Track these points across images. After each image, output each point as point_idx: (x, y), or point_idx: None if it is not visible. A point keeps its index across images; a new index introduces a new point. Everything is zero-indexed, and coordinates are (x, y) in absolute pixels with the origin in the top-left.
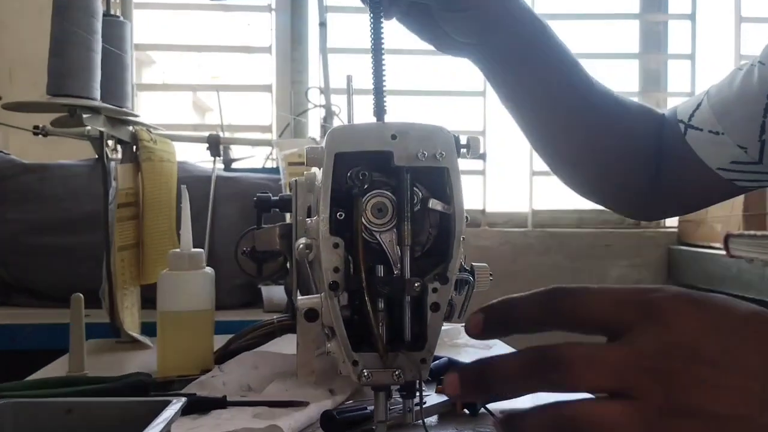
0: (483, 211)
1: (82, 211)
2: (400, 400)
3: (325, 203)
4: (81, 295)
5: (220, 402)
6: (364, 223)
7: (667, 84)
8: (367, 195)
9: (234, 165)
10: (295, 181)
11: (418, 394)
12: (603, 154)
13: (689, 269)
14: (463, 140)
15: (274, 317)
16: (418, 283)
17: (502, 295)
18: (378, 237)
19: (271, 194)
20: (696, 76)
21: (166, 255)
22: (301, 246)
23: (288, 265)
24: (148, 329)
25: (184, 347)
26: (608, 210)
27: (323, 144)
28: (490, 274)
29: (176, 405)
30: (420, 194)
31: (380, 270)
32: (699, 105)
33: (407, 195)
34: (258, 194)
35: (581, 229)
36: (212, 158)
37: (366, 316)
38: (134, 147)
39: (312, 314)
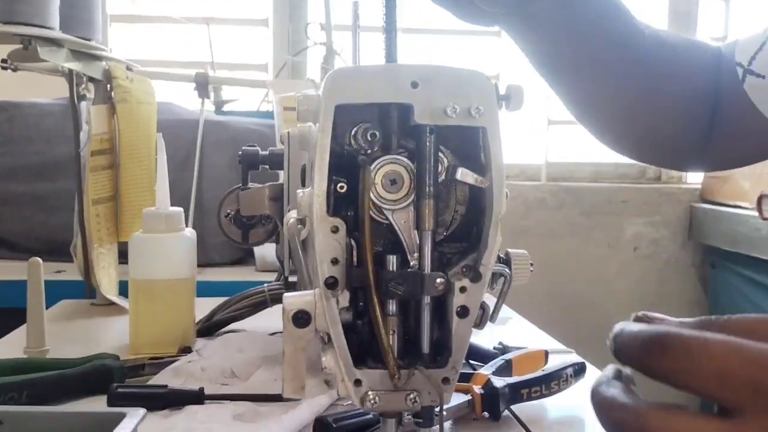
0: None
1: (56, 154)
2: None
3: (321, 173)
4: (39, 259)
5: (196, 396)
6: (373, 199)
7: (696, 26)
8: (377, 162)
9: (225, 108)
10: (287, 133)
11: (438, 425)
12: (656, 114)
13: (712, 229)
14: (502, 89)
15: (265, 285)
16: (442, 280)
17: None
18: (390, 217)
19: (259, 148)
20: (729, 18)
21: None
22: (292, 221)
23: (279, 230)
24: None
25: (159, 321)
26: (627, 163)
27: (321, 90)
28: (531, 264)
29: (131, 421)
30: (446, 160)
31: (392, 262)
32: (762, 46)
33: (430, 163)
34: (244, 148)
35: (597, 183)
36: (200, 99)
37: (373, 322)
38: (108, 86)
39: (303, 318)
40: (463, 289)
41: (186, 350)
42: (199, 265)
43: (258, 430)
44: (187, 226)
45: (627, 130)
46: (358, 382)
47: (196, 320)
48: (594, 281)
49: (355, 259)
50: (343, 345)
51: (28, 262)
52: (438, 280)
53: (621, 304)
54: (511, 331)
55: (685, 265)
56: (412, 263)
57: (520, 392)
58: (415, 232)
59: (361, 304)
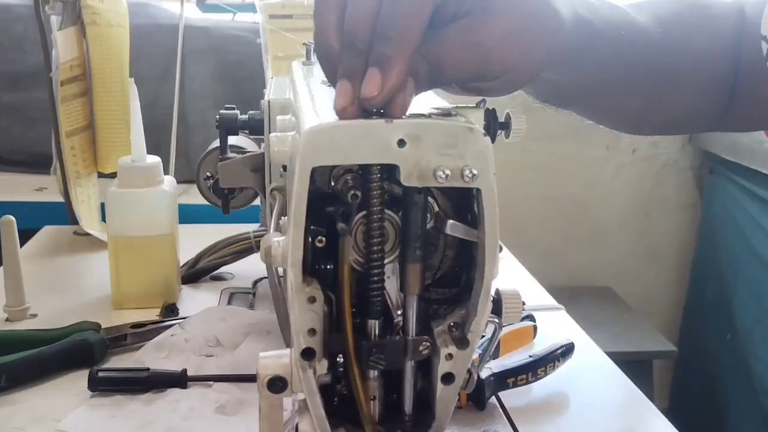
0: None
1: (30, 63)
2: None
3: (296, 241)
4: (12, 218)
5: (179, 379)
6: (355, 254)
7: None
8: (359, 218)
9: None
10: (267, 102)
11: None
12: (671, 110)
13: (714, 135)
14: (501, 113)
15: (251, 230)
16: (427, 344)
17: None
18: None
19: (239, 112)
20: None
21: (123, 139)
22: (266, 246)
23: (260, 200)
24: None
25: (140, 277)
26: None
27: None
28: (523, 303)
29: None
30: (435, 206)
31: (374, 328)
32: None
33: (417, 224)
34: (222, 112)
35: None
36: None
37: (353, 391)
38: (76, 6)
39: (278, 385)
40: (449, 357)
41: (170, 307)
42: (185, 182)
43: (239, 423)
44: (171, 144)
45: (642, 123)
46: None
47: (181, 264)
48: (590, 184)
49: (334, 311)
50: (321, 415)
51: (1, 222)
52: (422, 346)
53: (615, 207)
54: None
55: (683, 168)
56: (396, 320)
57: (506, 381)
58: (401, 293)
59: (340, 368)
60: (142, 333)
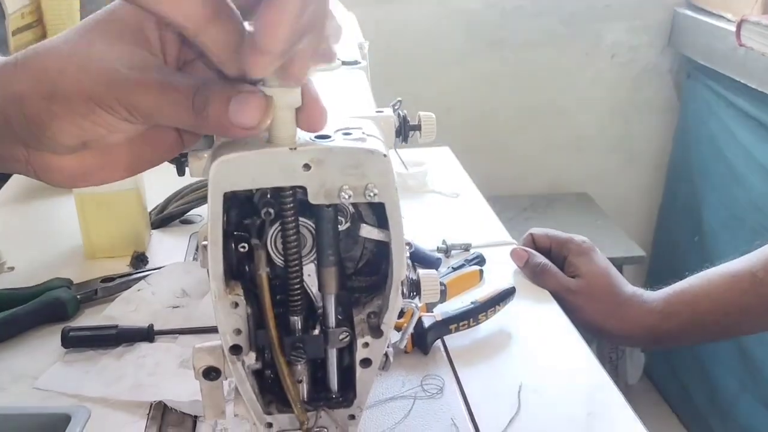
0: None
1: None
2: None
3: (215, 260)
4: None
5: (146, 334)
6: (275, 257)
7: None
8: (276, 226)
9: None
10: None
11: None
12: None
13: (691, 39)
14: (413, 116)
15: None
16: (346, 335)
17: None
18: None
19: None
20: None
21: None
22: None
23: None
24: None
25: (109, 230)
26: None
27: (210, 169)
28: (442, 284)
29: (76, 424)
30: (350, 208)
31: (297, 323)
32: None
33: (329, 234)
34: None
35: None
36: None
37: (279, 375)
38: None
39: (213, 374)
40: (365, 345)
41: (140, 256)
42: None
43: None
44: None
45: None
46: (269, 425)
47: (150, 209)
48: (568, 90)
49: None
50: (252, 399)
51: None
52: (342, 335)
53: (594, 113)
54: (461, 211)
55: (662, 72)
56: (318, 311)
57: (448, 327)
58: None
59: (268, 356)
60: (111, 287)
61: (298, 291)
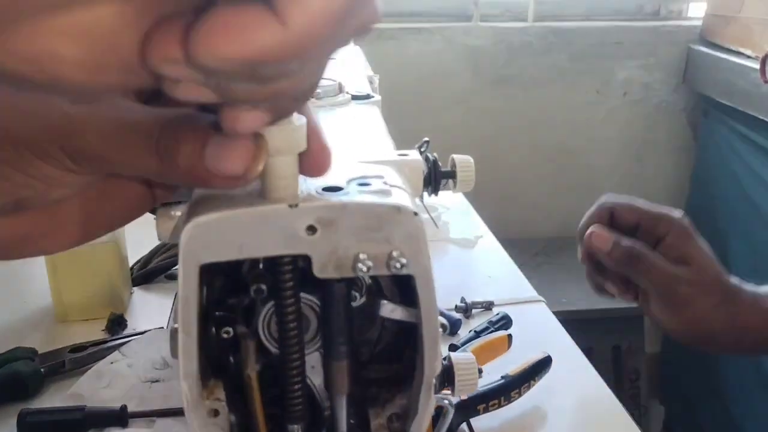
0: (475, 1)
1: None
2: None
3: (188, 349)
4: None
5: (118, 418)
6: (268, 346)
7: None
8: (270, 306)
9: None
10: None
11: None
12: None
13: (709, 77)
14: (445, 161)
15: None
16: None
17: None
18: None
19: None
20: None
21: None
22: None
23: None
24: None
25: (83, 290)
26: None
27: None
28: (480, 369)
29: None
30: (365, 279)
31: None
32: None
33: (340, 317)
34: None
35: (590, 22)
36: None
37: None
38: None
39: None
40: None
41: (117, 319)
42: None
43: None
44: None
45: None
46: None
47: (133, 263)
48: (579, 129)
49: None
50: None
51: None
52: None
53: (606, 153)
54: (479, 261)
55: (676, 110)
56: (327, 413)
57: (475, 408)
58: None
59: None
60: (81, 358)
61: (299, 390)
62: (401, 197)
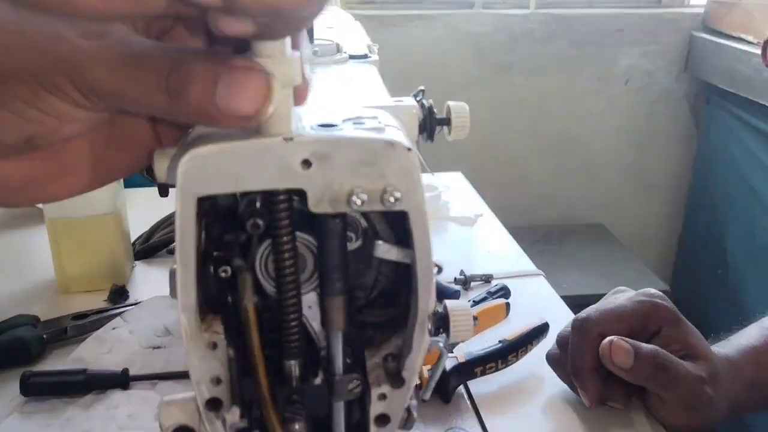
0: None
1: None
2: None
3: (186, 281)
4: None
5: (120, 380)
6: (265, 285)
7: None
8: (266, 245)
9: None
10: None
11: None
12: None
13: (711, 63)
14: (440, 108)
15: None
16: (357, 383)
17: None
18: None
19: None
20: None
21: None
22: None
23: None
24: None
25: (85, 261)
26: None
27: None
28: (475, 317)
29: None
30: (361, 222)
31: (294, 368)
32: None
33: (336, 253)
34: None
35: (592, 9)
36: None
37: None
38: None
39: None
40: (382, 397)
41: (118, 290)
42: None
43: None
44: None
45: None
46: None
47: (135, 238)
48: (580, 116)
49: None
50: None
51: None
52: (351, 385)
53: (608, 140)
54: (479, 239)
55: (678, 97)
56: (322, 353)
57: (473, 371)
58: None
59: (257, 413)
60: (83, 325)
61: (295, 328)
62: (396, 134)
